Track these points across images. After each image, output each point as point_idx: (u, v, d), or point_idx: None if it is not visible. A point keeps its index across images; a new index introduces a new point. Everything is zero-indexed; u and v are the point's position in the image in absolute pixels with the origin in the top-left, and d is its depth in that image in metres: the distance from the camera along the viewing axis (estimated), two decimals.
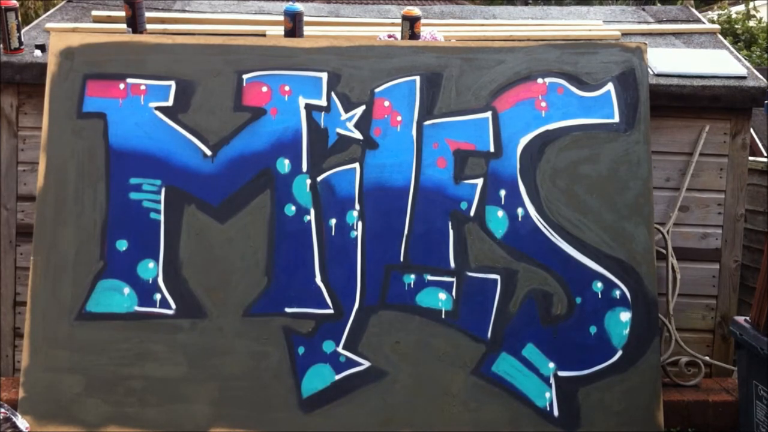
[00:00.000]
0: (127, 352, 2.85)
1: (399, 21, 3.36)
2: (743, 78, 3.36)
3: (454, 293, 2.93)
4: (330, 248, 2.93)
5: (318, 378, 2.88)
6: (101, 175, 2.94)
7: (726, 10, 9.67)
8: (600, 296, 2.94)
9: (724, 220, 3.40)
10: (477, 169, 2.99)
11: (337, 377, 2.88)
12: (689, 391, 3.26)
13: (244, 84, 3.01)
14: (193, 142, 2.96)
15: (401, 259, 2.94)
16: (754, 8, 9.60)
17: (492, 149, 3.01)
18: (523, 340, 2.91)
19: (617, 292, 2.94)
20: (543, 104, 3.04)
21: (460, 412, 2.87)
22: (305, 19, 3.37)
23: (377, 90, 3.03)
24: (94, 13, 3.73)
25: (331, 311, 2.91)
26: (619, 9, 4.41)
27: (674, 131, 3.37)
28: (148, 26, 3.33)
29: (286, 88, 3.01)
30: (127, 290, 2.89)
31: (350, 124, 3.00)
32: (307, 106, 3.00)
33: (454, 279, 2.93)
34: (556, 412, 2.87)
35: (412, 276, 2.94)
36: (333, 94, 3.01)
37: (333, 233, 2.94)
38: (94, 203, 2.92)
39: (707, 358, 3.35)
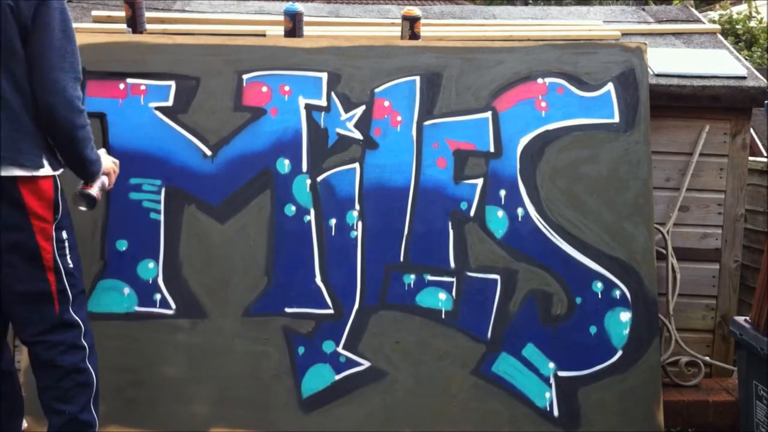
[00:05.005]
0: (127, 352, 2.85)
1: (399, 21, 3.36)
2: (743, 78, 3.37)
3: (454, 293, 2.93)
4: (330, 248, 2.94)
5: (318, 378, 2.88)
6: None
7: (728, 10, 9.67)
8: (600, 296, 2.94)
9: (724, 220, 3.40)
10: (477, 169, 3.00)
11: (337, 377, 2.88)
12: (689, 391, 3.26)
13: (244, 84, 3.01)
14: (193, 142, 2.96)
15: (401, 259, 2.94)
16: (756, 9, 9.60)
17: (492, 149, 3.01)
18: (523, 340, 2.91)
19: (617, 292, 2.94)
20: (543, 104, 3.04)
21: (460, 412, 2.87)
22: (305, 19, 3.36)
23: (377, 90, 3.03)
24: (94, 13, 3.73)
25: (331, 311, 2.91)
26: (619, 9, 4.41)
27: (674, 131, 3.38)
28: (148, 26, 3.32)
29: (286, 88, 3.01)
30: (127, 290, 2.89)
31: (350, 124, 3.01)
32: (307, 106, 3.00)
33: (454, 279, 2.93)
34: (556, 412, 2.87)
35: (412, 276, 2.94)
36: (333, 94, 3.01)
37: (333, 233, 2.94)
38: None
39: (707, 358, 3.35)
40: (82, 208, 2.35)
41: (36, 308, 2.25)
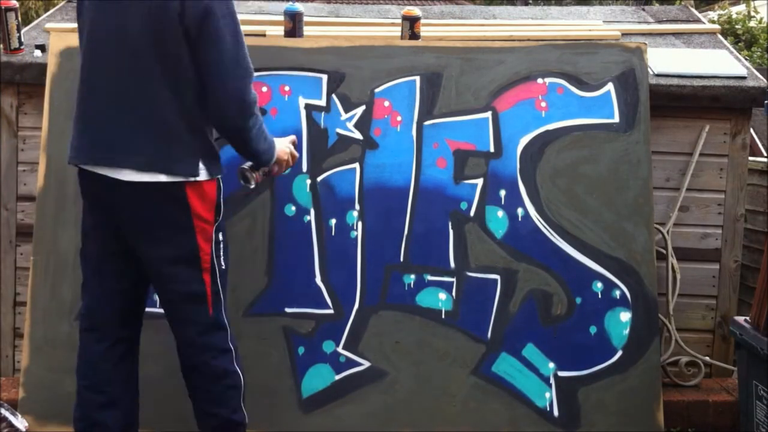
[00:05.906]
0: None
1: (399, 21, 3.36)
2: (743, 78, 3.37)
3: (454, 293, 2.93)
4: (330, 248, 2.94)
5: (318, 378, 2.88)
6: None
7: (726, 10, 9.68)
8: (600, 296, 2.94)
9: (724, 220, 3.40)
10: (477, 169, 3.00)
11: (337, 377, 2.88)
12: (689, 391, 3.26)
13: None
14: None
15: (401, 259, 2.94)
16: (754, 9, 9.61)
17: (492, 149, 3.01)
18: (523, 340, 2.91)
19: (617, 292, 2.94)
20: (543, 104, 3.04)
21: (460, 412, 2.87)
22: (305, 19, 3.36)
23: (377, 90, 3.03)
24: None
25: (331, 311, 2.91)
26: (619, 9, 4.41)
27: (674, 131, 3.37)
28: None
29: (286, 88, 3.01)
30: None
31: (350, 124, 3.00)
32: (307, 106, 3.00)
33: (454, 279, 2.93)
34: (556, 412, 2.87)
35: (412, 276, 2.94)
36: (333, 94, 3.01)
37: (333, 233, 2.94)
38: None
39: (707, 358, 3.35)
40: (246, 184, 2.47)
41: (191, 309, 2.29)
